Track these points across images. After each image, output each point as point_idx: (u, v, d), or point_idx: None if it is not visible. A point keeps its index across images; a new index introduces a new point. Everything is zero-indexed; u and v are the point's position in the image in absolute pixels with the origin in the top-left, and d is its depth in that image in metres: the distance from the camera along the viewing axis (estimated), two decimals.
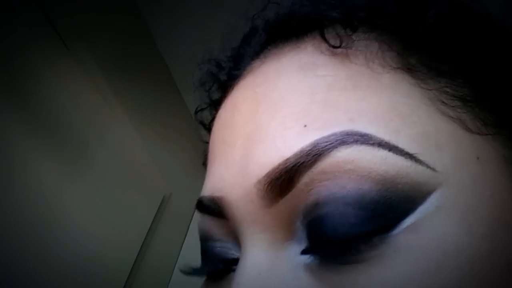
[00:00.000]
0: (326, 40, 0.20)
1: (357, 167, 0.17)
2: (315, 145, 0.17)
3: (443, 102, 0.18)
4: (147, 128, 1.11)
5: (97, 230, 0.83)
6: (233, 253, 0.21)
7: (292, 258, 0.18)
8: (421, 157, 0.17)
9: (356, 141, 0.17)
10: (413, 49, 0.19)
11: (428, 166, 0.17)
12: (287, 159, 0.18)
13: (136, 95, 1.11)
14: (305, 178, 0.17)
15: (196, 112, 0.30)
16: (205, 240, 0.23)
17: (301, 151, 0.18)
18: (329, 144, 0.17)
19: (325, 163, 0.17)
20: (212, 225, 0.22)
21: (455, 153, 0.18)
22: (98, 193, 0.87)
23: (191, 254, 0.26)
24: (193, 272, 0.24)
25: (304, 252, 0.18)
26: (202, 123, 0.30)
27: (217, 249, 0.22)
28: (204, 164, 0.25)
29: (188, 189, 0.92)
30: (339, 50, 0.20)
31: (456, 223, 0.16)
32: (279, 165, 0.18)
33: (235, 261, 0.20)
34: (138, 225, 0.96)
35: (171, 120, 1.23)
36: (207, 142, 0.25)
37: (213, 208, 0.21)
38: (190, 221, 1.08)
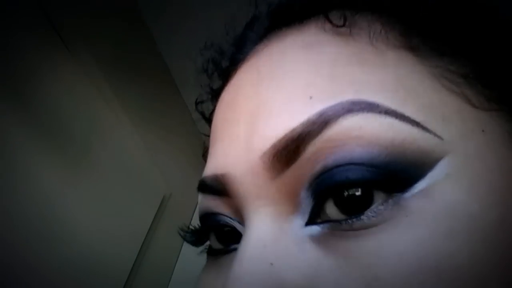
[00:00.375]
0: (329, 20, 0.20)
1: (365, 133, 0.17)
2: (321, 114, 0.18)
3: (446, 77, 0.19)
4: (148, 128, 1.12)
5: (97, 230, 0.83)
6: (237, 229, 0.21)
7: (297, 231, 0.18)
8: (427, 125, 0.17)
9: (363, 109, 0.17)
10: (415, 30, 0.20)
11: (435, 134, 0.17)
12: (293, 129, 0.18)
13: (136, 96, 1.11)
14: (312, 147, 0.18)
15: (196, 104, 0.30)
16: (207, 219, 0.23)
17: (308, 121, 0.18)
18: (336, 112, 0.17)
19: (332, 131, 0.17)
20: (215, 204, 0.22)
21: (461, 124, 0.18)
22: (99, 193, 0.87)
23: (191, 254, 0.26)
24: (192, 233, 0.24)
25: (308, 223, 0.18)
26: (202, 114, 0.30)
27: (220, 223, 0.22)
28: (204, 156, 0.25)
29: (188, 189, 0.92)
30: (343, 29, 0.20)
31: (466, 191, 0.17)
32: (286, 135, 0.18)
33: (238, 239, 0.20)
34: (138, 225, 0.96)
35: (172, 121, 1.23)
36: (208, 135, 0.25)
37: (216, 187, 0.21)
38: (190, 221, 1.08)
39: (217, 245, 0.23)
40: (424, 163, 0.17)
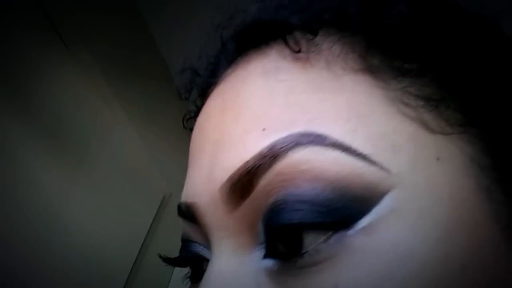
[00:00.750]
0: (288, 46, 0.20)
1: (312, 168, 0.17)
2: (272, 147, 0.18)
3: (404, 102, 0.18)
4: (147, 128, 1.12)
5: (97, 229, 0.83)
6: (208, 257, 0.22)
7: (255, 263, 0.19)
8: (375, 158, 0.17)
9: (311, 142, 0.17)
10: (376, 49, 0.19)
11: (381, 167, 0.17)
12: (247, 162, 0.18)
13: (136, 96, 1.11)
14: (264, 181, 0.18)
15: (183, 120, 0.31)
16: (184, 246, 0.23)
17: (259, 154, 0.18)
18: (286, 145, 0.18)
19: (282, 165, 0.17)
20: (190, 230, 0.22)
21: (413, 154, 0.17)
22: (99, 193, 0.87)
23: None
24: (170, 262, 0.25)
25: (266, 256, 0.18)
26: (191, 130, 0.30)
27: (194, 252, 0.23)
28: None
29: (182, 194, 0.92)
30: (301, 54, 0.20)
31: (410, 226, 0.16)
32: (240, 168, 0.18)
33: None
34: (138, 225, 0.96)
35: (172, 121, 1.23)
36: None
37: (188, 214, 0.22)
38: None
39: (195, 272, 0.23)
40: (370, 198, 0.17)
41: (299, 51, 0.20)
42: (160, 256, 0.26)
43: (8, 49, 0.77)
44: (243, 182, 0.18)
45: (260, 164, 0.18)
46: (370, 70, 0.19)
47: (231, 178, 0.18)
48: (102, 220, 0.85)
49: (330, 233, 0.17)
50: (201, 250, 0.22)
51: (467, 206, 0.17)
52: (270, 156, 0.18)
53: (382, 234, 0.16)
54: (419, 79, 0.19)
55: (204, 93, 0.26)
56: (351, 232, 0.16)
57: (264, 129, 0.19)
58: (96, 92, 0.98)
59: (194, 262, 0.23)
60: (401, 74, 0.19)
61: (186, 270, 0.25)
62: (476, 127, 0.19)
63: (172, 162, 1.16)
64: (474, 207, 0.17)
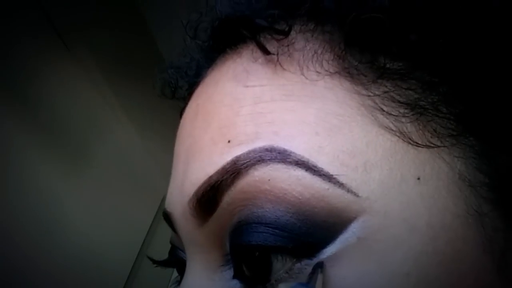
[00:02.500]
0: (259, 47, 0.18)
1: (273, 187, 0.16)
2: (234, 162, 0.17)
3: (383, 110, 0.16)
4: (148, 128, 1.12)
5: (97, 230, 0.83)
6: None
7: (224, 283, 0.18)
8: (342, 179, 0.15)
9: (274, 159, 0.16)
10: (354, 47, 0.17)
11: (349, 190, 0.15)
12: (210, 177, 0.17)
13: (136, 95, 1.11)
14: (227, 198, 0.17)
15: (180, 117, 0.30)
16: (171, 250, 0.23)
17: (222, 169, 0.17)
18: (247, 161, 0.16)
19: (244, 182, 0.16)
20: (174, 236, 0.22)
21: (388, 173, 0.15)
22: (98, 193, 0.87)
23: None
24: (159, 263, 0.25)
25: (234, 277, 0.18)
26: None
27: (179, 257, 0.22)
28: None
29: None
30: (273, 56, 0.18)
31: (376, 260, 0.15)
32: (204, 183, 0.17)
33: None
34: (138, 225, 0.96)
35: (172, 120, 1.23)
36: None
37: (169, 222, 0.21)
38: None
39: (179, 278, 0.23)
40: (335, 225, 0.15)
41: (268, 53, 0.18)
42: (150, 258, 0.26)
43: (9, 49, 0.77)
44: (207, 198, 0.17)
45: (222, 180, 0.17)
46: (348, 72, 0.17)
47: (196, 193, 0.18)
48: (102, 220, 0.85)
49: (294, 261, 0.15)
50: (184, 256, 0.22)
51: (448, 235, 0.15)
52: (232, 173, 0.16)
53: (345, 267, 0.15)
54: (403, 81, 0.17)
55: (190, 93, 0.25)
56: (314, 261, 0.15)
57: (229, 141, 0.17)
58: (96, 92, 0.98)
59: (180, 266, 0.22)
60: (383, 75, 0.17)
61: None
62: (471, 137, 0.16)
63: (172, 162, 1.16)
64: (457, 236, 0.15)
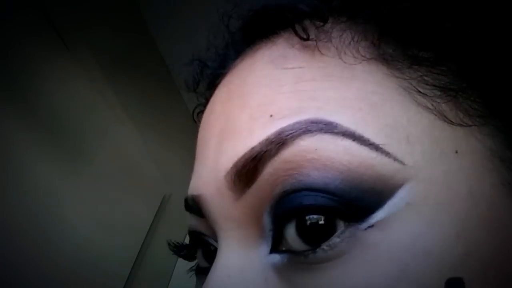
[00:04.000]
0: (296, 33, 0.19)
1: (320, 156, 0.16)
2: (279, 133, 0.17)
3: (420, 92, 0.17)
4: (147, 128, 1.12)
5: (97, 230, 0.83)
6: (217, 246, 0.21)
7: (262, 258, 0.18)
8: (388, 149, 0.16)
9: (320, 130, 0.17)
10: (389, 37, 0.18)
11: (395, 159, 0.16)
12: (253, 148, 0.17)
13: (136, 95, 1.11)
14: (269, 168, 0.17)
15: (193, 114, 0.30)
16: (193, 237, 0.23)
17: (266, 139, 0.17)
18: (293, 132, 0.17)
19: (288, 152, 0.17)
20: (198, 224, 0.22)
21: (429, 146, 0.17)
22: (98, 193, 0.87)
23: None
24: (178, 248, 0.25)
25: (273, 250, 0.18)
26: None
27: (205, 242, 0.22)
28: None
29: (188, 189, 0.92)
30: (310, 42, 0.19)
31: (426, 222, 0.16)
32: (245, 154, 0.18)
33: None
34: (138, 225, 0.96)
35: (171, 119, 1.23)
36: None
37: (195, 208, 0.21)
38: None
39: (203, 263, 0.23)
40: (383, 191, 0.16)
41: (307, 39, 0.19)
42: (169, 243, 0.25)
43: (9, 49, 0.77)
44: (249, 169, 0.18)
45: (266, 151, 0.17)
46: (383, 58, 0.18)
47: (236, 164, 0.18)
48: (102, 220, 0.85)
49: (343, 228, 0.16)
50: (209, 239, 0.22)
51: (488, 202, 0.16)
52: (277, 143, 0.17)
53: (397, 230, 0.15)
54: (436, 68, 0.18)
55: (212, 85, 0.25)
56: (364, 225, 0.16)
57: (271, 116, 0.18)
58: (95, 91, 0.98)
59: (204, 248, 0.22)
60: (416, 62, 0.18)
61: (188, 266, 0.25)
62: (498, 118, 0.17)
63: (172, 162, 1.16)
64: (494, 203, 0.16)
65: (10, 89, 0.75)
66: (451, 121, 0.17)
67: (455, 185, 0.16)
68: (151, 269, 0.95)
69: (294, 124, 0.17)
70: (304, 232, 0.17)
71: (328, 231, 0.16)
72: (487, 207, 0.16)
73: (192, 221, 0.22)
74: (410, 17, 0.18)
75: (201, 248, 0.23)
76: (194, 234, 0.23)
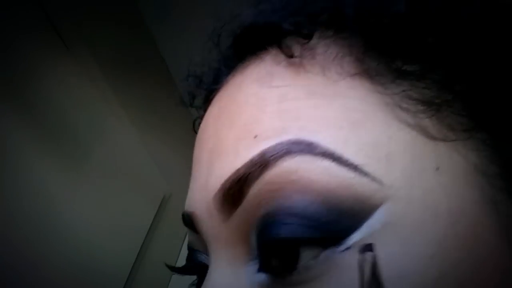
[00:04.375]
0: (282, 51, 0.20)
1: (301, 178, 0.16)
2: (262, 154, 0.17)
3: (402, 107, 0.17)
4: (147, 128, 1.12)
5: (97, 230, 0.83)
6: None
7: (250, 277, 0.18)
8: (367, 169, 0.16)
9: (301, 151, 0.17)
10: (373, 51, 0.18)
11: (373, 179, 0.16)
12: (238, 169, 0.18)
13: (136, 96, 1.11)
14: (254, 189, 0.17)
15: (194, 125, 0.31)
16: (189, 255, 0.24)
17: (250, 161, 0.18)
18: (275, 153, 0.17)
19: (271, 174, 0.17)
20: (194, 239, 0.22)
21: (409, 163, 0.16)
22: (98, 193, 0.87)
23: None
24: (177, 270, 0.25)
25: (259, 269, 0.18)
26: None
27: (198, 261, 0.22)
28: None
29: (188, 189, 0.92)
30: (295, 59, 0.19)
31: (402, 243, 0.15)
32: (231, 176, 0.18)
33: None
34: (138, 225, 0.96)
35: (172, 120, 1.23)
36: None
37: (190, 223, 0.21)
38: None
39: (196, 281, 0.24)
40: (361, 212, 0.16)
41: (292, 56, 0.19)
42: (167, 265, 0.26)
43: (9, 49, 0.77)
44: (235, 191, 0.18)
45: (250, 173, 0.17)
46: (367, 73, 0.18)
47: (223, 186, 0.18)
48: (102, 220, 0.85)
49: (321, 249, 0.16)
50: (204, 259, 0.22)
51: (468, 220, 0.16)
52: (260, 165, 0.17)
53: (373, 251, 0.15)
54: (420, 81, 0.18)
55: (207, 100, 0.26)
56: (341, 248, 0.16)
57: (255, 136, 0.18)
58: (96, 92, 0.98)
59: (200, 270, 0.23)
60: (400, 76, 0.18)
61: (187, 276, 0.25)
62: (483, 131, 0.17)
63: (172, 162, 1.16)
64: (476, 222, 0.16)
65: (10, 88, 0.75)
66: (433, 136, 0.17)
67: (434, 203, 0.16)
68: (151, 269, 0.95)
69: (276, 145, 0.17)
70: (282, 256, 0.17)
71: (302, 256, 0.16)
72: (467, 225, 0.16)
73: (190, 236, 0.23)
74: (392, 31, 0.18)
75: (196, 266, 0.23)
76: (191, 251, 0.23)
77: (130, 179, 0.98)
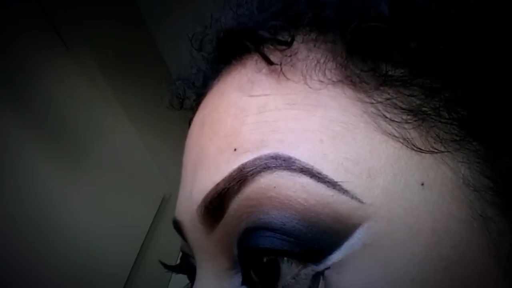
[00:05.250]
0: (263, 57, 0.19)
1: (279, 194, 0.16)
2: (241, 169, 0.17)
3: (386, 117, 0.16)
4: (148, 128, 1.12)
5: (97, 230, 0.83)
6: None
7: None
8: (346, 186, 0.15)
9: (279, 166, 0.16)
10: (357, 56, 0.17)
11: (353, 197, 0.15)
12: (217, 184, 0.17)
13: (136, 96, 1.11)
14: (233, 205, 0.17)
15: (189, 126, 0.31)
16: (182, 258, 0.24)
17: (229, 176, 0.17)
18: (254, 169, 0.17)
19: (250, 189, 0.17)
20: (184, 244, 0.22)
21: (392, 179, 0.16)
22: (99, 193, 0.87)
23: None
24: (170, 268, 0.25)
25: (243, 283, 0.18)
26: None
27: (190, 264, 0.23)
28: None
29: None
30: (276, 67, 0.18)
31: (382, 265, 0.15)
32: (211, 190, 0.18)
33: None
34: (138, 225, 0.96)
35: (171, 120, 1.23)
36: None
37: (178, 231, 0.21)
38: None
39: (190, 286, 0.24)
40: (340, 231, 0.15)
41: (272, 63, 0.18)
42: (162, 263, 0.26)
43: (9, 49, 0.77)
44: (216, 205, 0.18)
45: (229, 188, 0.17)
46: (350, 80, 0.17)
47: (204, 200, 0.18)
48: (102, 220, 0.85)
49: (301, 266, 0.16)
50: (195, 262, 0.22)
51: (452, 240, 0.15)
52: (239, 180, 0.17)
53: (352, 273, 0.15)
54: (406, 88, 0.17)
55: (195, 103, 0.25)
56: (320, 267, 0.15)
57: (235, 149, 0.18)
58: (95, 90, 0.98)
59: (191, 272, 0.23)
60: (385, 82, 0.17)
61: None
62: (475, 141, 0.16)
63: (172, 162, 1.16)
64: (461, 241, 0.15)
65: (9, 88, 0.75)
66: (419, 148, 0.16)
67: (417, 223, 0.15)
68: (151, 269, 0.95)
69: (255, 160, 0.17)
70: (261, 271, 0.17)
71: (284, 272, 0.16)
72: (451, 245, 0.15)
73: (181, 241, 0.23)
74: (376, 34, 0.17)
75: (188, 268, 0.23)
76: (183, 255, 0.23)
77: (130, 179, 0.98)
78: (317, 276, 0.15)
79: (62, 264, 0.72)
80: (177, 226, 0.21)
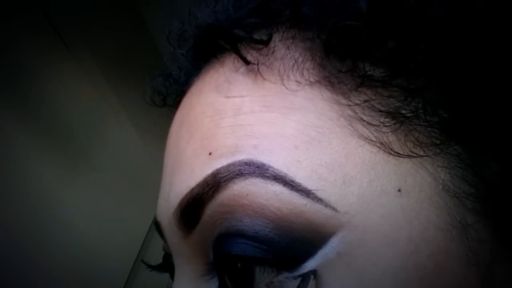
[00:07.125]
0: (240, 57, 0.18)
1: (252, 202, 0.16)
2: (215, 175, 0.16)
3: (363, 121, 0.16)
4: (148, 129, 1.12)
5: (97, 230, 0.83)
6: None
7: None
8: (320, 194, 0.15)
9: (252, 173, 0.16)
10: (335, 54, 0.17)
11: (327, 205, 0.15)
12: (192, 189, 0.17)
13: (136, 96, 1.11)
14: (208, 210, 0.17)
15: None
16: (164, 258, 0.24)
17: (203, 181, 0.17)
18: (227, 175, 0.16)
19: (223, 196, 0.16)
20: (165, 244, 0.22)
21: (367, 186, 0.15)
22: (99, 194, 0.87)
23: None
24: (152, 268, 0.25)
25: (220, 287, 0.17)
26: None
27: (170, 263, 0.22)
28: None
29: None
30: (254, 66, 0.18)
31: (356, 276, 0.14)
32: (186, 195, 0.17)
33: None
34: (138, 225, 0.96)
35: (171, 121, 1.23)
36: None
37: (159, 231, 0.21)
38: None
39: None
40: (314, 240, 0.15)
41: (248, 63, 0.18)
42: (144, 262, 0.26)
43: (9, 50, 0.77)
44: (191, 210, 0.17)
45: (203, 193, 0.17)
46: (329, 81, 0.16)
47: (180, 204, 0.18)
48: (102, 221, 0.85)
49: (274, 274, 0.15)
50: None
51: (430, 248, 0.15)
52: (212, 186, 0.16)
53: (326, 282, 0.15)
54: (385, 89, 0.16)
55: (177, 100, 0.24)
56: (295, 275, 0.15)
57: (210, 154, 0.17)
58: (96, 92, 0.98)
59: (173, 271, 0.22)
60: (364, 83, 0.16)
61: None
62: (457, 145, 0.15)
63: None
64: (439, 249, 0.15)
65: (10, 90, 0.76)
66: (397, 153, 0.15)
67: (393, 231, 0.15)
68: (150, 271, 0.95)
69: (229, 165, 0.16)
70: (235, 278, 0.17)
71: (257, 278, 0.16)
72: (428, 254, 0.15)
73: (163, 240, 0.23)
74: (356, 30, 0.16)
75: (171, 267, 0.23)
76: (165, 254, 0.23)
77: (130, 179, 0.98)
78: (307, 276, 0.15)
79: (61, 265, 0.72)
80: (158, 226, 0.21)
